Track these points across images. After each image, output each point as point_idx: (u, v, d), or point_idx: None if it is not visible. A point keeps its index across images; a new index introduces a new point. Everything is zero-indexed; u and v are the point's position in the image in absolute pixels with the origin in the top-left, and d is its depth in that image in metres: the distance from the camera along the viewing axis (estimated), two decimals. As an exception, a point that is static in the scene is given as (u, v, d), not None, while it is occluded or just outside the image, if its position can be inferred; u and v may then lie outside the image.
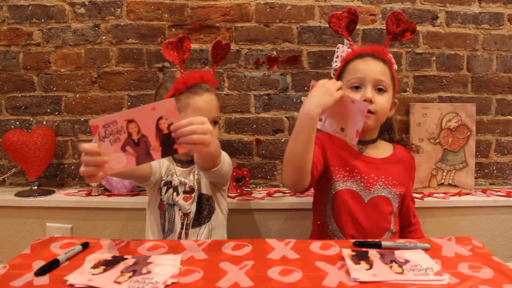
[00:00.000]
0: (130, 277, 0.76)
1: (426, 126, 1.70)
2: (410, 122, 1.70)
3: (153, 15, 1.67)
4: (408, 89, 1.76)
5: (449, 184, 1.71)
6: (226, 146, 1.72)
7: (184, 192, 1.18)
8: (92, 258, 0.84)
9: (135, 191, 1.66)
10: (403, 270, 0.80)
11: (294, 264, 0.83)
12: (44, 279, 0.75)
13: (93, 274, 0.76)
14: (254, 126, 1.73)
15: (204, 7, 1.67)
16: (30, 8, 1.66)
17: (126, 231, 1.59)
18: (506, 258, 1.63)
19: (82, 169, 0.83)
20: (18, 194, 1.62)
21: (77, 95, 1.70)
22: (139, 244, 0.93)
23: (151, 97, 1.67)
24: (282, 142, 1.74)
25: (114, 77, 1.70)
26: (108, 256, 0.85)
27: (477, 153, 1.77)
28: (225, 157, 1.16)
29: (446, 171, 1.71)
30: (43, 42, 1.68)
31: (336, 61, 1.36)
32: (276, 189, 1.74)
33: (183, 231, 1.18)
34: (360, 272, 0.78)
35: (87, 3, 1.66)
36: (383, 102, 1.16)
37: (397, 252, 0.88)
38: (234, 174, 1.69)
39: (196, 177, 1.20)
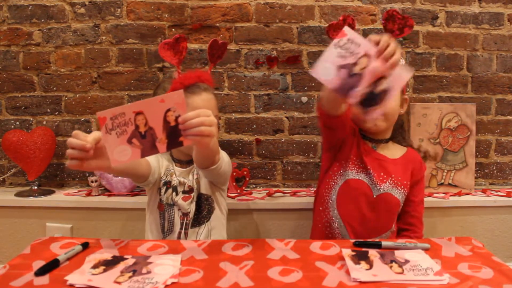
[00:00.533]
0: (130, 277, 0.76)
1: (426, 126, 1.70)
2: (410, 122, 1.70)
3: (153, 15, 1.67)
4: (408, 89, 1.76)
5: (449, 184, 1.71)
6: (226, 146, 1.72)
7: (183, 192, 1.18)
8: (92, 258, 0.84)
9: (135, 191, 1.66)
10: (403, 270, 0.80)
11: (294, 264, 0.83)
12: (44, 279, 0.75)
13: (93, 274, 0.76)
14: (254, 126, 1.73)
15: (204, 7, 1.67)
16: (30, 8, 1.66)
17: (126, 231, 1.59)
18: (506, 258, 1.63)
19: (69, 151, 0.83)
20: (18, 194, 1.62)
21: (77, 95, 1.70)
22: (139, 244, 0.93)
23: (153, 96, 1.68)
24: (282, 142, 1.74)
25: (114, 77, 1.70)
26: (108, 256, 0.85)
27: (477, 153, 1.77)
28: (223, 156, 1.15)
29: (446, 171, 1.71)
30: (43, 42, 1.68)
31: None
32: (276, 189, 1.74)
33: (183, 231, 1.18)
34: (360, 272, 0.78)
35: (87, 3, 1.66)
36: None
37: (397, 252, 0.88)
38: (234, 174, 1.69)
39: (195, 177, 1.20)
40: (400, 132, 1.33)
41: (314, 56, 1.71)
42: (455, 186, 1.71)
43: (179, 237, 1.18)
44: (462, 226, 1.66)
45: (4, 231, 1.60)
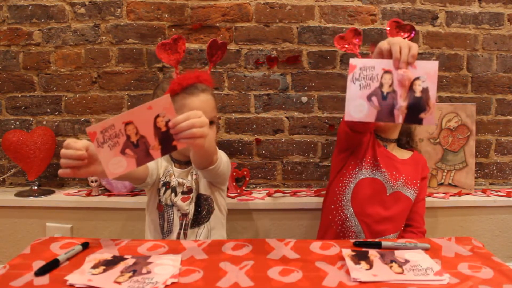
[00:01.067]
0: (130, 277, 0.76)
1: (426, 126, 1.70)
2: (410, 122, 1.70)
3: (153, 15, 1.67)
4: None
5: (449, 184, 1.71)
6: (226, 146, 1.72)
7: (183, 192, 1.17)
8: (92, 258, 0.84)
9: (135, 191, 1.66)
10: (403, 270, 0.80)
11: (294, 264, 0.83)
12: (44, 279, 0.75)
13: (93, 274, 0.76)
14: (254, 126, 1.73)
15: (204, 7, 1.67)
16: (30, 8, 1.66)
17: (126, 231, 1.59)
18: (506, 258, 1.63)
19: (62, 161, 0.83)
20: (18, 194, 1.62)
21: (77, 95, 1.70)
22: (139, 244, 0.93)
23: (151, 97, 1.68)
24: (282, 142, 1.74)
25: (114, 77, 1.70)
26: (108, 256, 0.85)
27: (477, 153, 1.77)
28: (222, 156, 1.15)
29: (446, 171, 1.71)
30: (43, 42, 1.68)
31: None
32: (276, 189, 1.74)
33: (182, 232, 1.18)
34: (360, 272, 0.78)
35: (87, 3, 1.66)
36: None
37: (397, 252, 0.88)
38: (234, 174, 1.69)
39: (194, 177, 1.20)
40: (408, 133, 1.37)
41: (314, 56, 1.71)
42: (455, 186, 1.71)
43: (178, 238, 1.18)
44: (462, 226, 1.66)
45: (4, 231, 1.60)
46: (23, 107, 1.71)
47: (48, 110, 1.71)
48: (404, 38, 1.21)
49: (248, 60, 1.71)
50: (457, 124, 1.70)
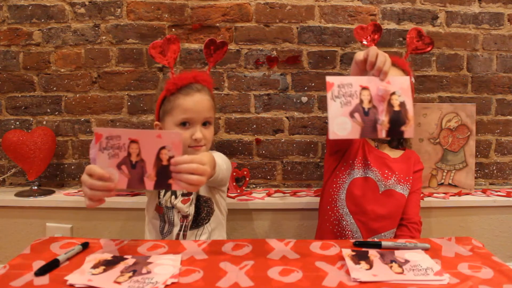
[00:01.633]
0: (130, 277, 0.76)
1: (426, 126, 1.70)
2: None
3: (153, 15, 1.67)
4: (408, 89, 1.76)
5: (449, 184, 1.71)
6: (226, 146, 1.72)
7: (182, 194, 1.17)
8: (92, 258, 0.84)
9: (135, 191, 1.66)
10: (403, 270, 0.80)
11: (294, 264, 0.83)
12: (44, 279, 0.75)
13: (93, 274, 0.76)
14: (254, 126, 1.73)
15: (204, 7, 1.67)
16: (30, 8, 1.66)
17: (126, 231, 1.59)
18: (506, 258, 1.63)
19: (88, 192, 0.80)
20: (18, 194, 1.62)
21: (77, 95, 1.70)
22: (139, 244, 0.93)
23: (151, 97, 1.68)
24: (282, 142, 1.74)
25: (114, 77, 1.70)
26: (108, 256, 0.85)
27: (477, 153, 1.77)
28: (221, 163, 1.12)
29: (446, 171, 1.71)
30: (43, 42, 1.67)
31: None
32: (276, 189, 1.74)
33: (181, 233, 1.17)
34: (360, 272, 0.78)
35: (87, 3, 1.66)
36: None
37: (397, 252, 0.88)
38: (234, 174, 1.69)
39: None
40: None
41: (314, 56, 1.71)
42: (455, 186, 1.71)
43: (177, 239, 1.17)
44: (462, 226, 1.66)
45: (4, 231, 1.60)
46: (23, 107, 1.71)
47: (48, 110, 1.71)
48: (419, 50, 1.28)
49: (248, 60, 1.71)
50: (457, 124, 1.70)
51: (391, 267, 0.81)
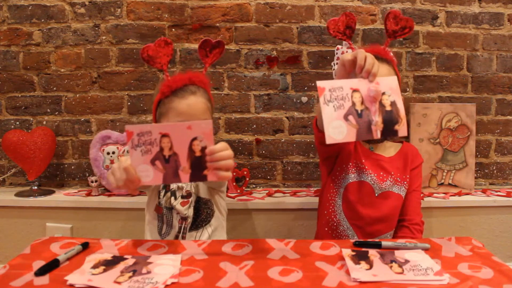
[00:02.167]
0: (130, 277, 0.76)
1: (426, 126, 1.70)
2: (410, 122, 1.70)
3: (153, 15, 1.67)
4: (408, 89, 1.76)
5: (449, 184, 1.71)
6: (226, 146, 1.72)
7: (182, 196, 1.17)
8: (92, 258, 0.84)
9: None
10: (403, 270, 0.80)
11: (294, 264, 0.83)
12: (44, 279, 0.75)
13: (93, 274, 0.76)
14: (254, 126, 1.73)
15: (204, 7, 1.67)
16: (30, 8, 1.66)
17: (126, 231, 1.59)
18: (506, 258, 1.63)
19: (121, 183, 0.84)
20: (18, 194, 1.62)
21: (77, 95, 1.70)
22: (139, 244, 0.93)
23: (151, 97, 1.68)
24: (282, 142, 1.74)
25: (114, 77, 1.70)
26: (108, 256, 0.85)
27: (477, 153, 1.77)
28: None
29: (446, 171, 1.71)
30: (43, 42, 1.68)
31: (337, 63, 1.37)
32: (276, 189, 1.74)
33: (180, 235, 1.17)
34: (360, 272, 0.78)
35: (87, 3, 1.66)
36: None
37: (397, 252, 0.88)
38: (234, 174, 1.69)
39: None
40: None
41: (314, 56, 1.71)
42: (455, 186, 1.71)
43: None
44: (462, 226, 1.66)
45: (4, 231, 1.60)
46: (23, 107, 1.71)
47: (48, 110, 1.71)
48: (397, 33, 1.21)
49: (248, 60, 1.71)
50: (457, 124, 1.70)
51: (391, 267, 0.81)
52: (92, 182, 1.62)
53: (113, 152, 1.63)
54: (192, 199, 1.17)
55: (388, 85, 0.89)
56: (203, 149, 0.81)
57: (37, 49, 1.68)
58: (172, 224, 1.17)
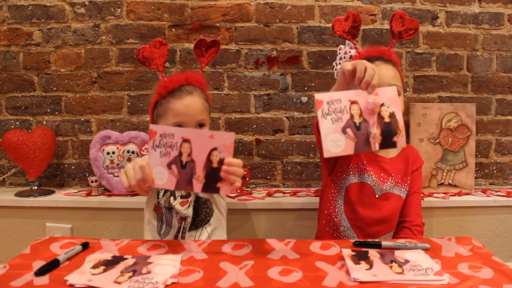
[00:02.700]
0: (130, 277, 0.76)
1: (426, 126, 1.70)
2: (410, 122, 1.70)
3: (153, 15, 1.67)
4: (408, 89, 1.76)
5: (449, 184, 1.71)
6: (226, 146, 1.72)
7: (181, 196, 1.17)
8: (92, 258, 0.84)
9: (135, 191, 1.66)
10: (403, 270, 0.80)
11: (294, 264, 0.83)
12: (44, 279, 0.75)
13: (93, 274, 0.76)
14: (254, 126, 1.73)
15: (204, 7, 1.67)
16: (30, 8, 1.66)
17: (126, 231, 1.59)
18: (506, 258, 1.63)
19: (133, 182, 0.86)
20: (18, 194, 1.62)
21: (77, 95, 1.70)
22: (139, 244, 0.93)
23: (150, 98, 1.68)
24: (282, 142, 1.74)
25: (114, 77, 1.70)
26: (108, 256, 0.85)
27: (477, 153, 1.77)
28: None
29: (446, 171, 1.71)
30: (43, 42, 1.68)
31: (339, 63, 1.37)
32: (276, 189, 1.74)
33: (179, 235, 1.17)
34: (360, 272, 0.78)
35: (87, 3, 1.66)
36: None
37: (397, 252, 0.88)
38: (234, 174, 1.69)
39: None
40: None
41: (314, 56, 1.71)
42: (455, 186, 1.71)
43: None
44: (462, 226, 1.66)
45: (4, 231, 1.60)
46: (23, 107, 1.71)
47: (48, 110, 1.71)
48: (401, 34, 1.21)
49: (248, 60, 1.71)
50: (457, 124, 1.70)
51: (391, 267, 0.81)
52: (92, 182, 1.62)
53: (113, 152, 1.63)
54: (191, 198, 1.17)
55: (387, 95, 0.89)
56: (220, 160, 0.81)
57: (37, 49, 1.68)
58: (171, 224, 1.17)
